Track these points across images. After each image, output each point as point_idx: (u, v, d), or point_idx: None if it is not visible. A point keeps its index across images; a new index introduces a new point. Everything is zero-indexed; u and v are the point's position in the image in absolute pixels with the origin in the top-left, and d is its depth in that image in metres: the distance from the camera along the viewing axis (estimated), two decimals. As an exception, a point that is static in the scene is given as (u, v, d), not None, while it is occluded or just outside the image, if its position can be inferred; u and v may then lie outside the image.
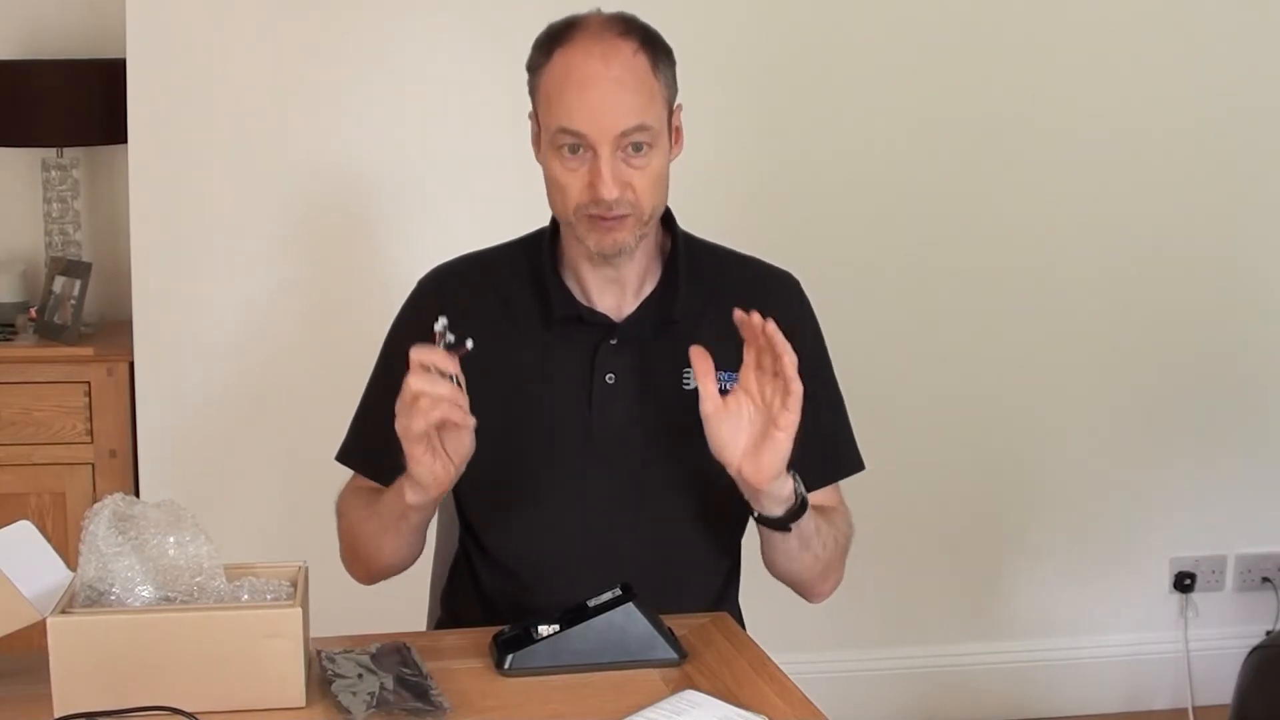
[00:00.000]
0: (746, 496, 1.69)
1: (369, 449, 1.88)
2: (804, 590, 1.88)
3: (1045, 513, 3.37)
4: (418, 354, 1.58)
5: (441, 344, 1.59)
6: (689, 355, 1.63)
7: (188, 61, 2.93)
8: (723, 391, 1.78)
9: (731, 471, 1.66)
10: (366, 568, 1.88)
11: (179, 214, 2.97)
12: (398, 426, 1.61)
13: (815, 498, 1.82)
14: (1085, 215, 3.27)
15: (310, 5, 2.96)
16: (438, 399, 1.57)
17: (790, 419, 1.60)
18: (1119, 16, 3.21)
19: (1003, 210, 3.25)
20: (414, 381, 1.57)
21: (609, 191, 1.69)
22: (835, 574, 1.87)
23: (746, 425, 1.63)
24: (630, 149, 1.70)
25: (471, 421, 1.62)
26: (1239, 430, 3.42)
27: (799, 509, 1.69)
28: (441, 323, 1.60)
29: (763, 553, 1.81)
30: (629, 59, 1.70)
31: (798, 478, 1.68)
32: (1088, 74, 3.21)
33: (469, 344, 1.60)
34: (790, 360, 1.58)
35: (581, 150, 1.70)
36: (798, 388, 1.59)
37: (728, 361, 1.82)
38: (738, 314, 1.60)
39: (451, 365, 1.59)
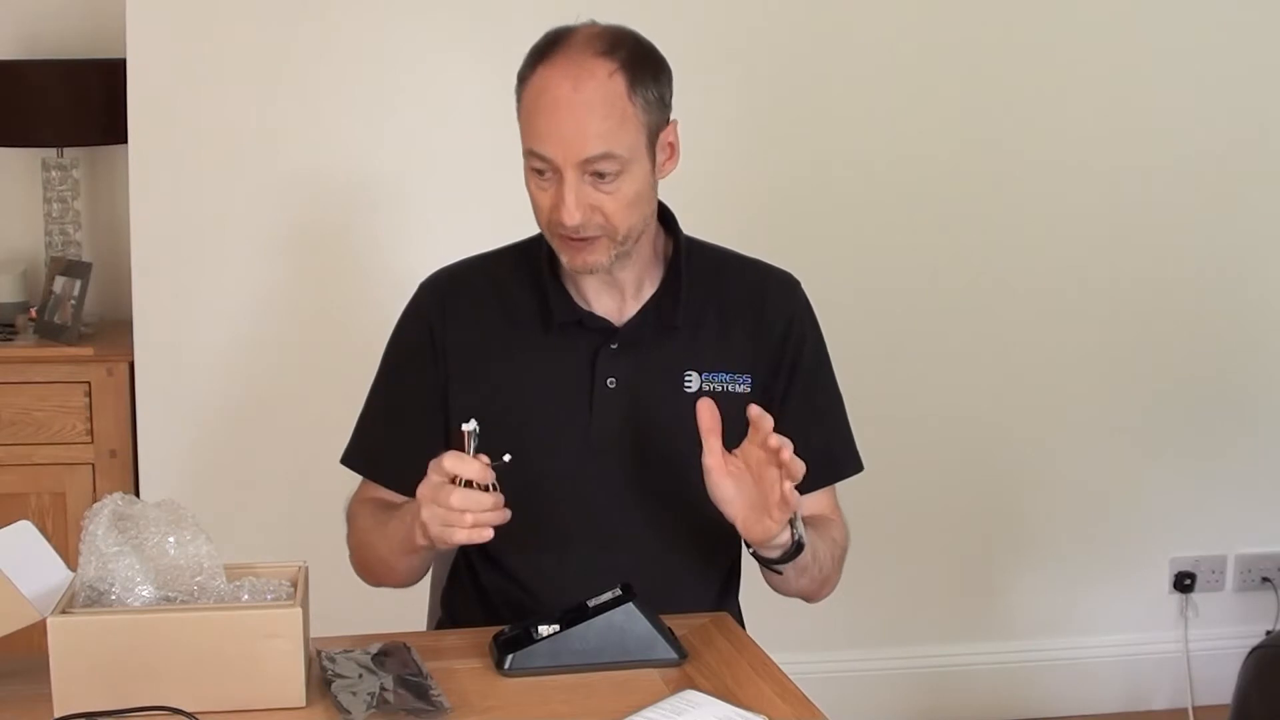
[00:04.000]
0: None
1: (373, 453, 1.89)
2: (805, 600, 1.88)
3: (1045, 513, 3.37)
4: (457, 467, 1.57)
5: (471, 446, 1.57)
6: (696, 409, 1.62)
7: (188, 61, 2.93)
8: (723, 393, 1.79)
9: (730, 520, 1.66)
10: (377, 579, 1.89)
11: (179, 214, 2.97)
12: (433, 529, 1.59)
13: (811, 504, 1.82)
14: (1088, 220, 3.27)
15: (310, 7, 2.96)
16: (482, 513, 1.57)
17: (789, 505, 1.59)
18: (1129, 31, 3.21)
19: (1005, 215, 3.24)
20: (458, 502, 1.57)
21: (569, 217, 1.68)
22: (831, 584, 1.87)
23: (746, 490, 1.63)
24: (596, 175, 1.68)
25: (509, 515, 1.60)
26: (1239, 430, 3.42)
27: (794, 552, 1.68)
28: (469, 426, 1.58)
29: (767, 580, 1.81)
30: (602, 82, 1.68)
31: (797, 522, 1.66)
32: (1096, 87, 3.22)
33: (506, 458, 1.58)
34: (788, 453, 1.56)
35: (549, 173, 1.70)
36: (799, 469, 1.57)
37: (728, 362, 1.83)
38: (752, 411, 1.58)
39: (489, 476, 1.57)
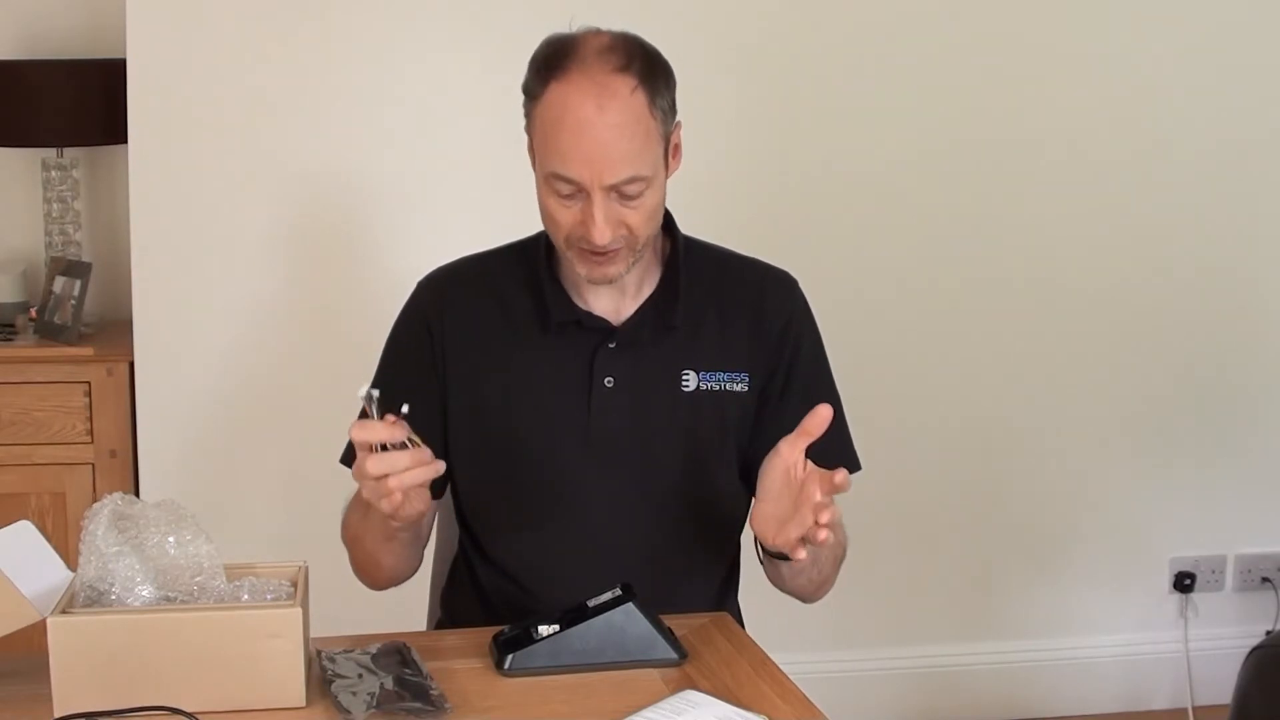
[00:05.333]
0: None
1: None
2: (800, 599, 1.88)
3: (1045, 513, 3.37)
4: (362, 435, 1.56)
5: (375, 411, 1.57)
6: (814, 412, 1.60)
7: (188, 61, 2.93)
8: (721, 392, 1.79)
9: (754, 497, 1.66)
10: (372, 578, 1.90)
11: (179, 214, 2.97)
12: (379, 506, 1.60)
13: None
14: (1089, 221, 3.27)
15: (310, 7, 2.96)
16: (402, 474, 1.57)
17: (797, 551, 1.58)
18: (1129, 30, 3.21)
19: (1006, 215, 3.24)
20: (372, 467, 1.56)
21: (601, 237, 1.68)
22: (829, 586, 1.87)
23: (787, 495, 1.61)
24: (622, 194, 1.68)
25: (442, 467, 1.61)
26: (1239, 431, 3.42)
27: (790, 558, 1.67)
28: (364, 391, 1.58)
29: (763, 568, 1.81)
30: (626, 101, 1.65)
31: None
32: (1098, 87, 3.22)
33: (405, 409, 1.57)
34: (827, 516, 1.55)
35: (575, 193, 1.68)
36: (822, 538, 1.56)
37: (726, 362, 1.83)
38: (839, 475, 1.55)
39: (399, 433, 1.56)
